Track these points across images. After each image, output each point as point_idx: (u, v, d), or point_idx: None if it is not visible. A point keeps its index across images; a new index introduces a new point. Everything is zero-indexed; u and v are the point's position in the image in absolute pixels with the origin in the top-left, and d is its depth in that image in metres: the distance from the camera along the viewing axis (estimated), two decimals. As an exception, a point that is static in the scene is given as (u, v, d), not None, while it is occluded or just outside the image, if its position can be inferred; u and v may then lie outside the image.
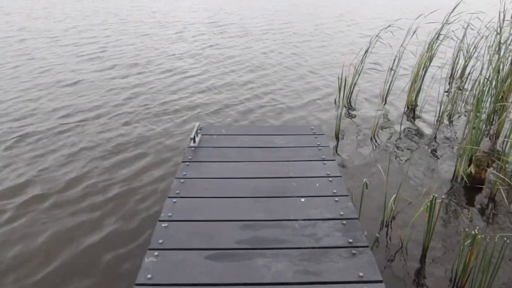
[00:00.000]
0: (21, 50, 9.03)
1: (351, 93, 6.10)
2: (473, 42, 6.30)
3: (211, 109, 5.69)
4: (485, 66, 5.25)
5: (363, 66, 6.09)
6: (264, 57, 8.73)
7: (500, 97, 5.01)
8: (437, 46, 5.80)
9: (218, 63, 8.16)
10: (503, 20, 5.34)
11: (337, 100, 6.07)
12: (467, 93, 6.20)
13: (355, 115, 5.62)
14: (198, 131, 3.53)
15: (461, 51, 6.49)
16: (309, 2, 19.97)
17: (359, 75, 6.12)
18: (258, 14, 15.46)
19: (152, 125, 5.13)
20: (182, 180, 2.78)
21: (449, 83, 6.75)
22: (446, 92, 6.37)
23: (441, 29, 5.73)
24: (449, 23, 5.84)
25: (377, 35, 6.02)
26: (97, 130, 4.96)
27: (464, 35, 6.29)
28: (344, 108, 5.74)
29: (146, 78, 7.13)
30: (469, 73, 6.34)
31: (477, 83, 5.04)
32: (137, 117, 5.38)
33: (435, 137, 4.90)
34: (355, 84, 6.11)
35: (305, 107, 5.84)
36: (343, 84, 5.61)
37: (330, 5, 18.91)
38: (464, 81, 6.55)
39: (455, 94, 5.82)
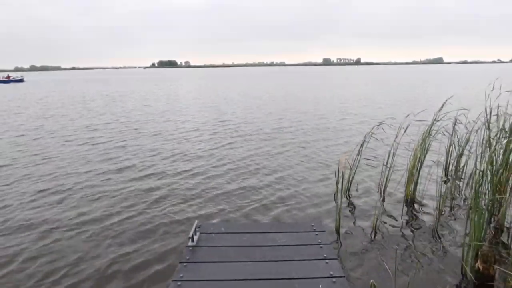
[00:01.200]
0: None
1: (349, 186, 6.12)
2: (463, 137, 6.51)
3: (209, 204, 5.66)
4: (478, 159, 5.35)
5: (359, 160, 6.20)
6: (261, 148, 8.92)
7: (497, 189, 5.04)
8: (430, 141, 5.99)
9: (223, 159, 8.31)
10: (490, 115, 5.58)
11: (335, 194, 6.06)
12: (464, 185, 6.23)
13: (354, 209, 5.57)
14: (197, 229, 3.46)
15: (453, 145, 6.67)
16: (307, 98, 21.02)
17: (356, 168, 6.20)
18: (251, 115, 16.14)
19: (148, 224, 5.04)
20: (179, 283, 2.65)
21: (445, 175, 6.82)
22: (444, 183, 6.41)
23: (432, 124, 5.97)
24: (438, 120, 6.10)
25: (370, 131, 6.22)
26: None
27: (454, 130, 6.52)
28: (344, 202, 5.72)
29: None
30: (463, 166, 6.44)
31: (472, 176, 5.10)
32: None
33: (437, 231, 4.80)
34: (352, 177, 6.16)
35: (305, 201, 5.82)
36: (340, 177, 5.65)
37: (326, 98, 19.97)
38: (460, 173, 6.63)
39: (453, 186, 5.85)
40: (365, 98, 22.60)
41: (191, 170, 7.51)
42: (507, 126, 5.37)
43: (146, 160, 8.28)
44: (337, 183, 5.83)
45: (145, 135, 11.35)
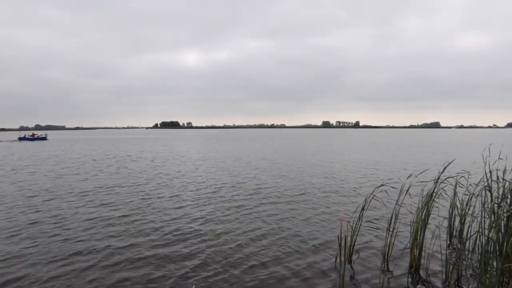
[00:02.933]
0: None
1: (351, 252, 5.91)
2: (465, 200, 6.41)
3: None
4: (482, 225, 5.22)
5: (360, 224, 6.04)
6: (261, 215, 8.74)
7: (506, 256, 4.85)
8: (432, 205, 5.88)
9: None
10: (490, 179, 5.54)
11: (337, 261, 5.83)
12: (470, 253, 6.02)
13: (357, 277, 5.32)
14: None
15: (455, 209, 6.54)
16: (298, 164, 21.01)
17: (358, 233, 6.03)
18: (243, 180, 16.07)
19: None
20: None
21: (450, 241, 6.62)
22: (449, 249, 6.21)
23: (434, 188, 5.89)
24: (440, 182, 6.03)
25: (372, 193, 6.13)
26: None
27: (455, 193, 6.43)
28: (346, 269, 5.49)
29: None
30: (467, 232, 6.28)
31: (478, 242, 4.94)
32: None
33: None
34: (354, 242, 5.97)
35: (306, 269, 5.58)
36: (342, 243, 5.47)
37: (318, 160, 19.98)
38: (465, 239, 6.44)
39: (459, 253, 5.64)
40: (368, 160, 22.68)
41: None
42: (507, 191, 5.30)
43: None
44: (340, 247, 5.65)
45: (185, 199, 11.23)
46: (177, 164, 20.33)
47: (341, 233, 5.78)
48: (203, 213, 8.80)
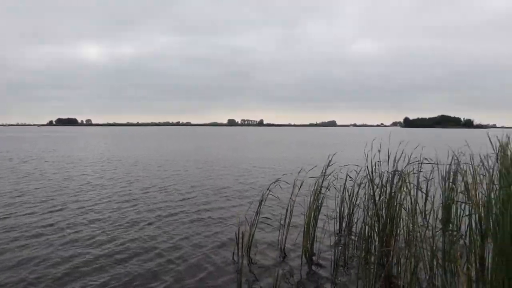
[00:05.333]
0: None
1: (249, 246, 6.04)
2: (353, 192, 6.97)
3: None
4: (366, 213, 5.73)
5: (258, 220, 6.21)
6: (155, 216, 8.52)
7: (384, 242, 5.40)
8: (322, 197, 6.29)
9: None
10: (372, 172, 6.10)
11: (235, 257, 5.92)
12: (356, 238, 6.55)
13: (255, 269, 5.47)
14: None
15: (344, 200, 7.07)
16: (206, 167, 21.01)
17: (256, 227, 6.19)
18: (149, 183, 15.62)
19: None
20: None
21: (339, 230, 7.14)
22: (339, 237, 6.68)
23: (323, 181, 6.29)
24: (328, 175, 6.47)
25: (267, 189, 6.34)
26: None
27: (344, 186, 6.95)
28: (245, 262, 5.61)
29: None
30: (356, 220, 6.82)
31: (362, 229, 5.41)
32: None
33: (335, 285, 4.90)
34: (252, 237, 6.11)
35: (203, 264, 5.56)
36: (240, 238, 5.57)
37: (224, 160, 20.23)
38: (352, 227, 6.99)
39: (347, 240, 6.11)
40: (264, 156, 23.47)
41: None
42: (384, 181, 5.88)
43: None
44: (237, 244, 5.74)
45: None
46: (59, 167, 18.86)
47: (239, 229, 5.89)
48: (96, 217, 8.28)
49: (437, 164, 7.28)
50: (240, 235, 5.62)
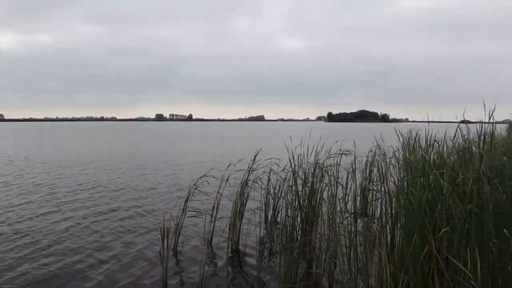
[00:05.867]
0: None
1: (176, 241, 5.99)
2: (278, 184, 7.17)
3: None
4: (290, 205, 5.96)
5: (185, 214, 6.17)
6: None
7: (306, 230, 5.67)
8: (249, 190, 6.41)
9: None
10: (295, 165, 6.35)
11: (161, 252, 5.84)
12: (281, 230, 6.78)
13: (183, 263, 5.46)
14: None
15: (269, 193, 7.26)
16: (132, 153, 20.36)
17: (183, 223, 6.15)
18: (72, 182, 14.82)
19: None
20: None
21: (265, 221, 7.33)
22: (264, 228, 6.87)
23: (248, 175, 6.42)
24: (253, 170, 6.61)
25: (195, 184, 6.32)
26: None
27: (269, 179, 7.13)
28: (171, 259, 5.56)
29: None
30: (281, 211, 7.05)
31: (285, 220, 5.62)
32: None
33: (259, 275, 5.05)
34: (179, 232, 6.07)
35: (133, 262, 5.43)
36: (166, 234, 5.51)
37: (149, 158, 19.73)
38: (277, 217, 7.22)
39: (272, 230, 6.31)
40: (192, 152, 23.29)
41: None
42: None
43: None
44: (163, 240, 5.68)
45: None
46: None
47: (163, 226, 5.81)
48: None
49: (354, 156, 7.77)
50: (166, 231, 5.56)
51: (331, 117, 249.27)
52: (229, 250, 5.91)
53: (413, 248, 3.26)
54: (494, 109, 4.49)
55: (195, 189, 6.29)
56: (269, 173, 7.12)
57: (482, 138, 4.43)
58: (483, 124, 4.56)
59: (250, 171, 6.59)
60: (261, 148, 7.51)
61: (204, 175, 6.50)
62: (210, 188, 6.96)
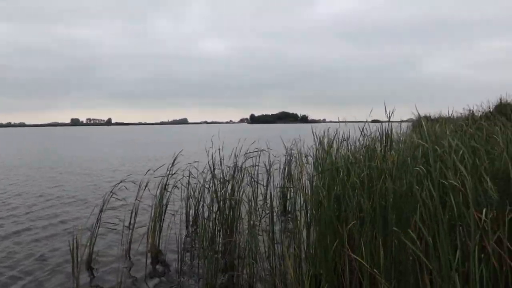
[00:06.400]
0: None
1: (90, 253, 5.65)
2: (198, 188, 7.10)
3: None
4: (211, 208, 5.93)
5: (99, 224, 5.84)
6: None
7: (227, 233, 5.68)
8: (168, 195, 6.27)
9: None
10: (214, 168, 6.33)
11: (73, 266, 5.47)
12: (202, 232, 6.71)
13: (98, 276, 5.17)
14: None
15: (190, 197, 7.15)
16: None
17: (97, 233, 5.82)
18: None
19: None
20: None
21: (186, 226, 7.21)
22: (186, 233, 6.76)
23: (167, 180, 6.27)
24: (173, 174, 6.47)
25: (111, 192, 6.02)
26: None
27: (189, 182, 7.02)
28: (84, 276, 5.22)
29: None
30: (202, 214, 6.97)
31: (206, 224, 5.59)
32: None
33: (181, 280, 4.96)
34: (94, 243, 5.73)
35: (40, 281, 5.00)
36: (77, 246, 5.17)
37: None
38: (198, 221, 7.13)
39: (193, 235, 6.23)
40: (109, 158, 22.24)
41: None
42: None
43: None
44: (73, 253, 5.34)
45: None
46: None
47: (73, 242, 5.45)
48: None
49: (270, 155, 7.98)
50: (77, 243, 5.22)
51: (253, 119, 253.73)
52: (149, 257, 5.72)
53: (324, 242, 3.42)
54: (393, 109, 4.90)
55: (112, 196, 6.00)
56: (189, 176, 7.03)
57: (384, 136, 4.80)
58: (391, 123, 4.96)
59: (170, 176, 6.46)
60: (181, 151, 7.39)
61: (121, 181, 6.23)
62: (128, 195, 6.70)
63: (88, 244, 5.58)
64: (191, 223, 7.24)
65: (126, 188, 6.41)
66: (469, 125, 5.44)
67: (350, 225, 3.44)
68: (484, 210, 2.75)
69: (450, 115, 9.57)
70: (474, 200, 2.80)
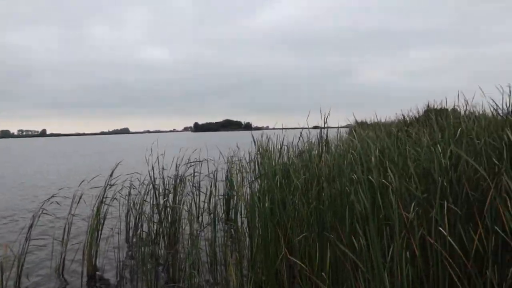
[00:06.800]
0: None
1: (19, 275, 5.23)
2: (139, 199, 6.87)
3: None
4: (152, 219, 5.77)
5: (28, 243, 5.44)
6: None
7: (169, 245, 5.54)
8: (106, 208, 6.00)
9: None
10: (155, 179, 6.17)
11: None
12: (143, 245, 6.49)
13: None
14: None
15: (130, 209, 6.89)
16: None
17: (26, 252, 5.41)
18: None
19: None
20: None
21: (126, 240, 6.94)
22: (126, 247, 6.50)
23: (105, 192, 6.01)
24: (112, 185, 6.22)
25: (41, 207, 5.65)
26: None
27: (129, 194, 6.79)
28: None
29: None
30: (142, 227, 6.75)
31: (148, 236, 5.41)
32: None
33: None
34: (22, 264, 5.32)
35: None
36: (2, 268, 4.78)
37: None
38: (139, 234, 6.89)
39: (133, 249, 6.00)
40: (42, 171, 20.95)
41: None
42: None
43: None
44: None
45: None
46: None
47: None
48: None
49: (215, 165, 7.93)
50: (2, 265, 4.82)
51: (197, 127, 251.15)
52: (85, 276, 5.42)
53: (264, 248, 3.44)
54: (329, 114, 5.06)
55: (42, 212, 5.63)
56: (129, 188, 6.80)
57: (322, 141, 4.95)
58: (327, 129, 5.12)
59: (108, 187, 6.19)
60: (121, 161, 7.13)
61: (53, 196, 5.86)
62: (60, 210, 6.32)
63: (16, 264, 5.18)
64: (131, 236, 6.97)
65: (57, 203, 6.06)
66: (401, 128, 5.78)
67: (289, 229, 3.49)
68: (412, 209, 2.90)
69: (385, 120, 10.10)
70: (401, 199, 2.96)
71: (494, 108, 4.24)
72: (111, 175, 6.19)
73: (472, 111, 5.28)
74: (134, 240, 6.79)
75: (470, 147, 3.41)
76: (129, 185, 6.78)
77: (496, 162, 2.98)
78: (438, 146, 3.32)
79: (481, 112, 5.29)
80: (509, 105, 4.01)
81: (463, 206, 3.00)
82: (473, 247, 2.75)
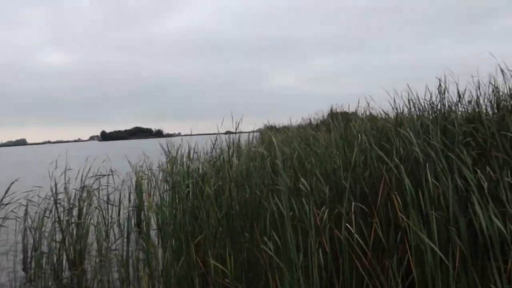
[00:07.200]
0: None
1: None
2: (39, 217, 6.29)
3: None
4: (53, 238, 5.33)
5: None
6: None
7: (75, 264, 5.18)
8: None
9: None
10: (57, 193, 5.72)
11: None
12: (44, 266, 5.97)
13: None
14: None
15: (28, 230, 6.28)
16: None
17: None
18: None
19: None
20: None
21: (23, 263, 6.30)
22: (25, 273, 5.92)
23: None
24: (6, 204, 5.64)
25: None
26: None
27: (27, 213, 6.19)
28: None
29: None
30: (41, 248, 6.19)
31: (49, 256, 5.00)
32: None
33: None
34: None
35: None
36: None
37: None
38: (38, 255, 6.30)
39: (33, 274, 5.50)
40: None
41: None
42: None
43: None
44: None
45: None
46: None
47: None
48: None
49: (121, 176, 7.62)
50: None
51: (105, 136, 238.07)
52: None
53: (177, 259, 3.39)
54: (241, 119, 5.16)
55: None
56: (26, 205, 6.20)
57: (232, 146, 5.03)
58: (239, 134, 5.21)
59: (1, 207, 5.59)
60: (19, 178, 6.48)
61: None
62: None
63: None
64: (29, 259, 6.35)
65: None
66: (306, 131, 6.11)
67: (200, 237, 3.48)
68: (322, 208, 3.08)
69: (292, 123, 10.58)
70: (311, 199, 3.12)
71: (384, 111, 4.68)
72: (6, 193, 5.60)
73: (368, 113, 5.74)
74: (34, 263, 6.22)
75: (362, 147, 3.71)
76: (26, 203, 6.19)
77: (386, 159, 3.30)
78: (335, 148, 3.57)
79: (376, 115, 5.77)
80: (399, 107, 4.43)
81: (362, 202, 3.27)
82: (371, 238, 3.01)
